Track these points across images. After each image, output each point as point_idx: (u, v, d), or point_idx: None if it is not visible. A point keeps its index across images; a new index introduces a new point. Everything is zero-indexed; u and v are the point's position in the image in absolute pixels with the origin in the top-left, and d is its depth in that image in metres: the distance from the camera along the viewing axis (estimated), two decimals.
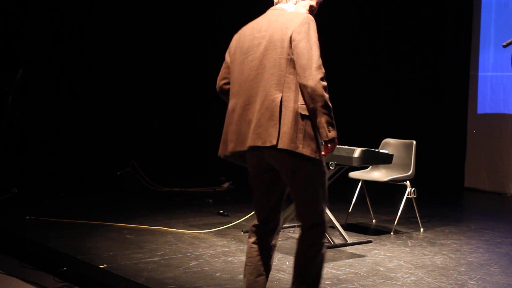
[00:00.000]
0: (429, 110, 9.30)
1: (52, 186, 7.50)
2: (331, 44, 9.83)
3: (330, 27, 9.68)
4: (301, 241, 3.16)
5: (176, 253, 4.64)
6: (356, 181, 5.98)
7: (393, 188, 5.97)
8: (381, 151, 5.24)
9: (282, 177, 3.15)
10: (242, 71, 3.16)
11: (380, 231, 5.70)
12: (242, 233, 5.39)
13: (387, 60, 9.71)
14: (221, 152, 3.30)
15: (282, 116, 2.98)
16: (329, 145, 3.03)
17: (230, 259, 4.54)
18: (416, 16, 9.39)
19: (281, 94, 3.00)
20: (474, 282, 4.11)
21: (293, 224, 5.62)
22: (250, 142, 3.04)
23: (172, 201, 7.20)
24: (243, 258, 4.50)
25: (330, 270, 4.32)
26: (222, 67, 3.36)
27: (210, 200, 7.17)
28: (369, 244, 5.18)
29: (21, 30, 7.76)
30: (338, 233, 5.19)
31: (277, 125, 2.97)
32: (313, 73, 2.95)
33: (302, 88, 2.97)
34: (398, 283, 4.07)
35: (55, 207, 6.46)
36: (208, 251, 4.75)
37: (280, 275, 4.14)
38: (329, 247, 4.95)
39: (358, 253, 4.86)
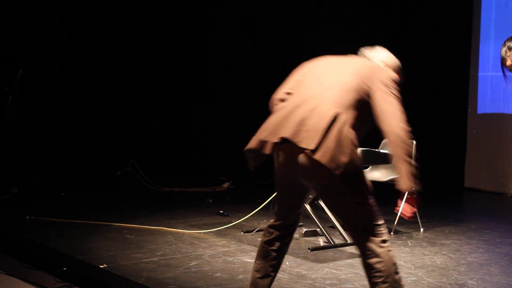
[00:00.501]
0: (429, 110, 9.29)
1: (52, 186, 7.50)
2: (331, 44, 9.83)
3: (330, 27, 9.68)
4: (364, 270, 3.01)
5: (176, 253, 4.64)
6: None
7: (393, 188, 5.95)
8: (381, 151, 5.24)
9: (313, 188, 3.06)
10: (305, 78, 3.09)
11: None
12: (242, 233, 5.39)
13: None
14: (251, 144, 3.03)
15: (330, 131, 2.82)
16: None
17: (230, 259, 4.54)
18: (416, 16, 9.38)
19: (338, 111, 2.87)
20: (474, 282, 4.11)
21: None
22: (284, 133, 2.88)
23: (172, 201, 7.20)
24: (243, 258, 4.52)
25: (330, 270, 4.32)
26: (288, 80, 3.20)
27: (210, 200, 7.17)
28: None
29: (21, 30, 7.76)
30: (338, 233, 5.19)
31: (321, 134, 2.81)
32: (400, 122, 2.93)
33: (388, 134, 2.93)
34: None
35: (55, 207, 6.46)
36: (208, 251, 4.75)
37: (280, 275, 4.14)
38: (329, 247, 4.96)
39: (358, 253, 4.85)
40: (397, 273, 2.94)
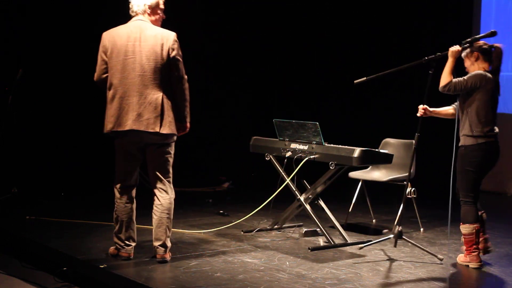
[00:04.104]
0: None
1: (52, 186, 7.49)
2: (331, 45, 9.83)
3: (330, 28, 9.68)
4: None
5: (176, 253, 4.64)
6: (356, 181, 5.98)
7: (393, 188, 5.96)
8: (381, 151, 5.24)
9: (153, 153, 4.44)
10: (124, 69, 4.17)
11: (380, 231, 5.70)
12: (242, 233, 5.40)
13: (387, 60, 9.70)
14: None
15: (164, 112, 4.37)
16: None
17: (230, 259, 4.54)
18: (416, 16, 9.38)
19: (162, 95, 4.30)
20: (474, 282, 4.11)
21: (293, 224, 5.62)
22: (130, 125, 4.18)
23: None
24: (244, 258, 4.52)
25: (330, 270, 4.32)
26: (100, 64, 4.40)
27: (210, 200, 7.16)
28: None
29: (21, 30, 7.75)
30: (338, 233, 5.20)
31: (159, 119, 4.33)
32: (186, 82, 4.48)
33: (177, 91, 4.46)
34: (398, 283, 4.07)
35: (55, 207, 6.46)
36: (208, 251, 4.76)
37: (280, 275, 4.14)
38: (329, 247, 4.96)
39: (358, 253, 4.86)
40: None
